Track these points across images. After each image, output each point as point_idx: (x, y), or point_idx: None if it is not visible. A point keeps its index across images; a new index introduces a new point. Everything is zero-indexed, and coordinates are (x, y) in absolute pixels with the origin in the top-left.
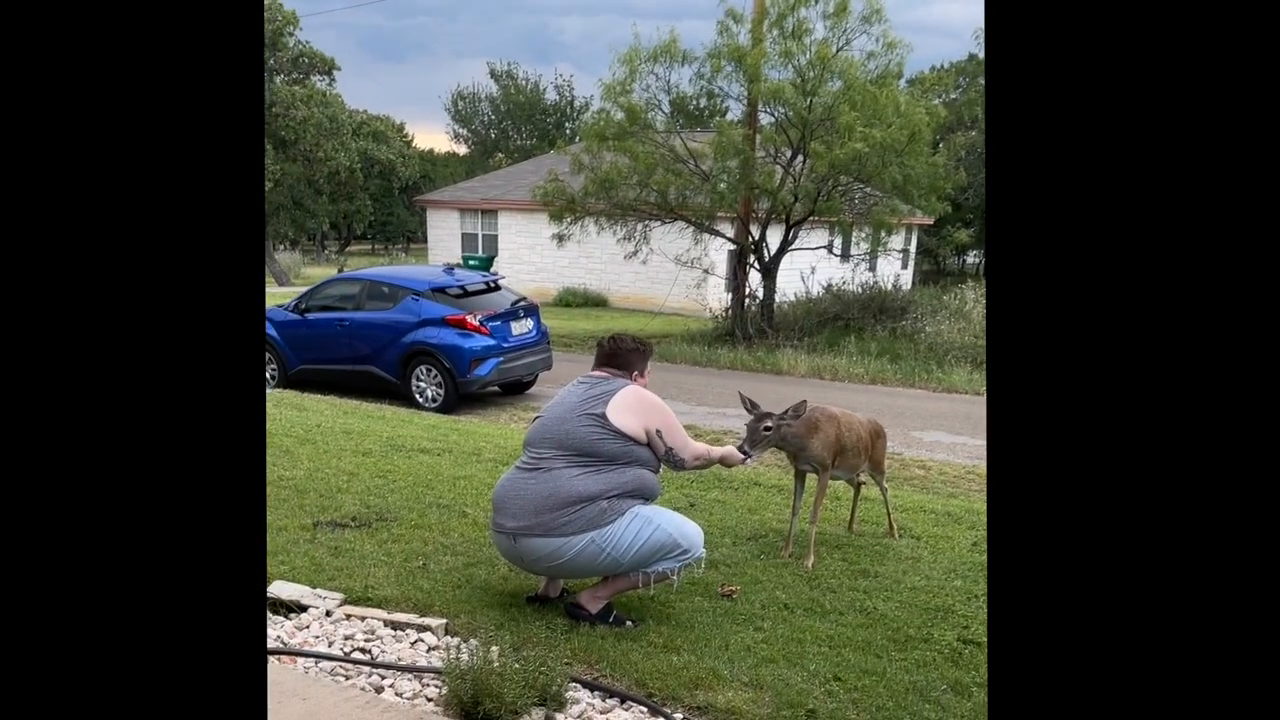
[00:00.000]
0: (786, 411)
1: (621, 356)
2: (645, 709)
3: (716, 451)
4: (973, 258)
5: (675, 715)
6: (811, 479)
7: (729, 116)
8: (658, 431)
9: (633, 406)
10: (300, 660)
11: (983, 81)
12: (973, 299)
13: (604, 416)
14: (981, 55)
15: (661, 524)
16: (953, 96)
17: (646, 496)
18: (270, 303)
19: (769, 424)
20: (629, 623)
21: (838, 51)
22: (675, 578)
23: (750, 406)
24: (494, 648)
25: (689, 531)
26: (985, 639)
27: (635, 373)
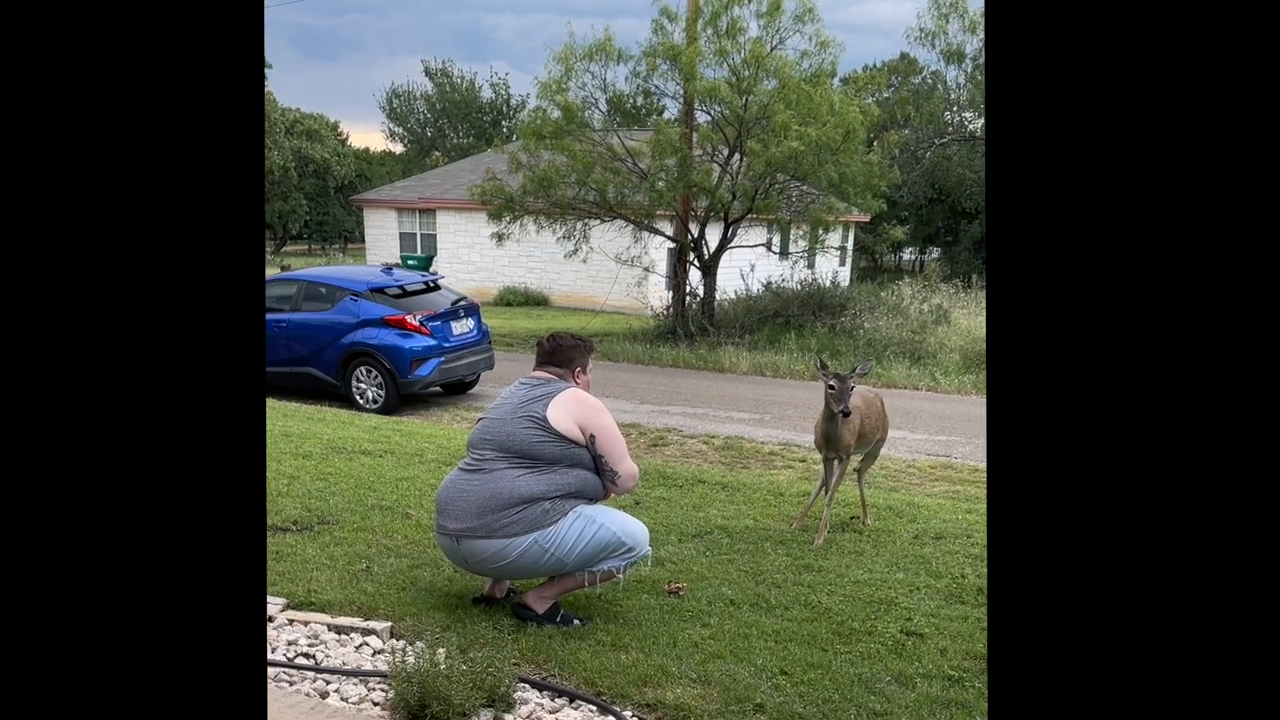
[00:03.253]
0: (855, 370)
1: (562, 353)
2: (594, 708)
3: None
4: (908, 254)
5: (624, 713)
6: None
7: (666, 115)
8: (592, 437)
9: (571, 409)
10: None
11: (914, 81)
12: (909, 295)
13: (544, 419)
14: (913, 54)
15: (605, 523)
16: (885, 95)
17: (590, 497)
18: None
19: (852, 382)
20: (576, 621)
21: (772, 50)
22: (621, 576)
23: (822, 365)
24: (440, 650)
25: (634, 530)
26: (927, 631)
27: (577, 369)
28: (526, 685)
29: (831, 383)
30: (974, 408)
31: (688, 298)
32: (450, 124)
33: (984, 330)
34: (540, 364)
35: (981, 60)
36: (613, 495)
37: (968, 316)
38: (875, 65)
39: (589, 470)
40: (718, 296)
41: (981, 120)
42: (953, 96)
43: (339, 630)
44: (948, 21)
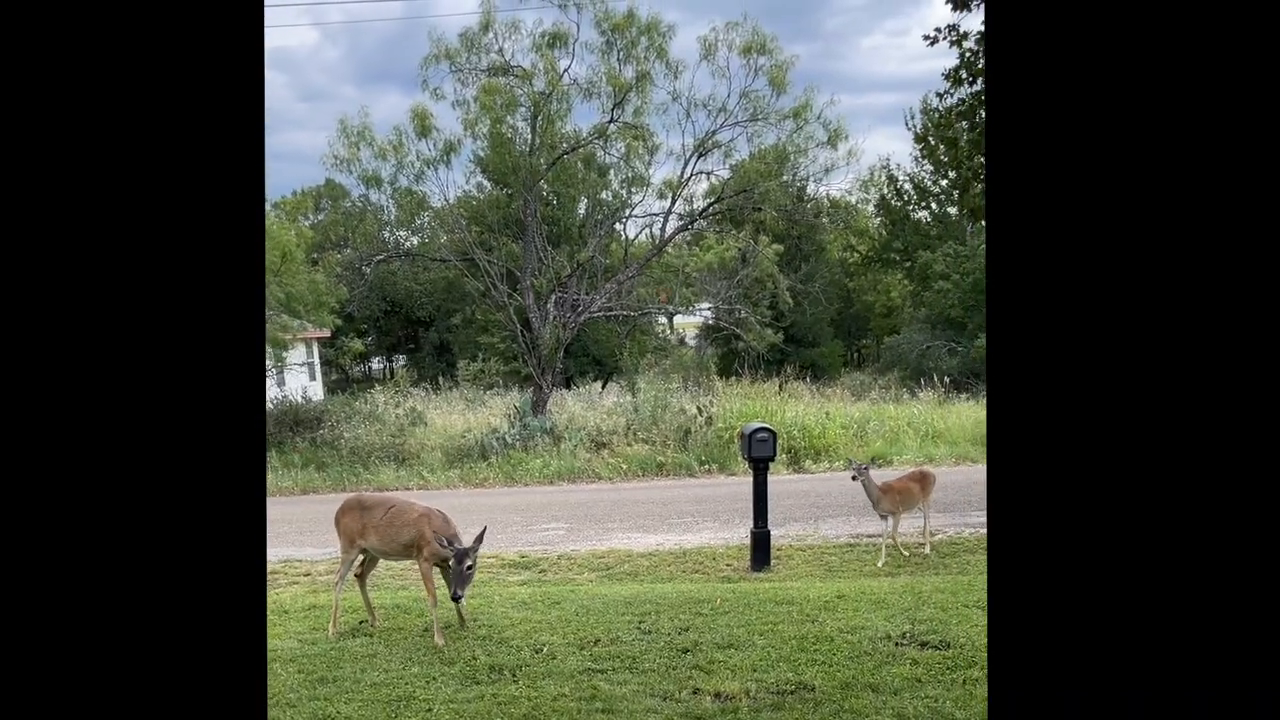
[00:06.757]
0: (476, 542)
1: None
2: None
3: None
4: (377, 363)
5: None
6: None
7: None
8: None
9: None
10: None
11: (346, 204)
12: (383, 401)
13: None
14: (342, 180)
15: None
16: (319, 218)
17: None
18: None
19: (470, 562)
20: None
21: None
22: None
23: (446, 544)
24: None
25: None
26: (446, 717)
27: None
28: None
29: None
30: (463, 499)
31: None
32: None
33: (459, 428)
34: None
35: (401, 184)
36: None
37: (442, 415)
38: (303, 190)
39: None
40: None
41: (415, 239)
42: (384, 217)
43: None
44: (359, 149)
